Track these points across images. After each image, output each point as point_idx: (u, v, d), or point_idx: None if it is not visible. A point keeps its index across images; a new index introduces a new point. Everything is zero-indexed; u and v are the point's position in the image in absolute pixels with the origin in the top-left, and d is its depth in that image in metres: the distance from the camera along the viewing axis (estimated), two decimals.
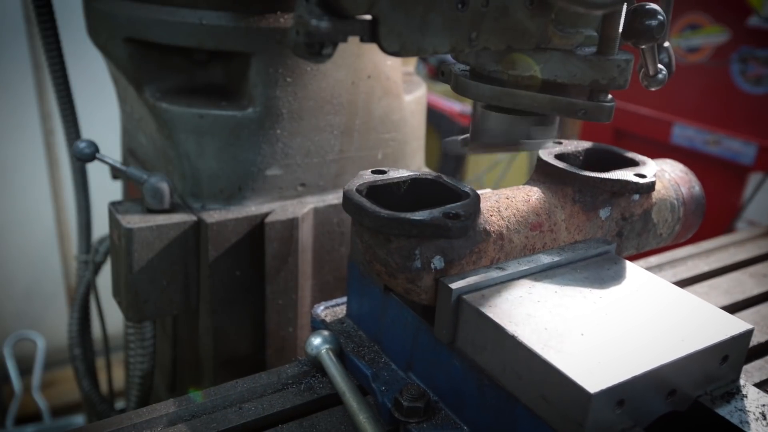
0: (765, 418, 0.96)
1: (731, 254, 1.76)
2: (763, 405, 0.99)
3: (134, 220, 1.47)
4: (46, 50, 1.73)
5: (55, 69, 1.77)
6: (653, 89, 1.24)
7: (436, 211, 1.01)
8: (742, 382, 1.02)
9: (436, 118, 4.80)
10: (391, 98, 1.72)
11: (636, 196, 1.23)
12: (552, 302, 1.00)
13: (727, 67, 3.23)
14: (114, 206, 1.54)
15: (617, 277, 1.09)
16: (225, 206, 1.58)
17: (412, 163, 1.89)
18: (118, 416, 1.07)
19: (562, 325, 0.94)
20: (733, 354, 0.99)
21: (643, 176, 1.20)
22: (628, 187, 1.18)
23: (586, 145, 1.35)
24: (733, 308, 1.49)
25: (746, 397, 1.00)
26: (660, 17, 1.03)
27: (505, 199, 1.13)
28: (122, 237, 1.46)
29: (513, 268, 1.06)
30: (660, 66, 1.21)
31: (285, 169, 1.61)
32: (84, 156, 1.53)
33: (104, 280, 1.85)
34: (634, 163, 1.28)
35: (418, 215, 0.99)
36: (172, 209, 1.55)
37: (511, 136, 1.18)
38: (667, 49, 1.28)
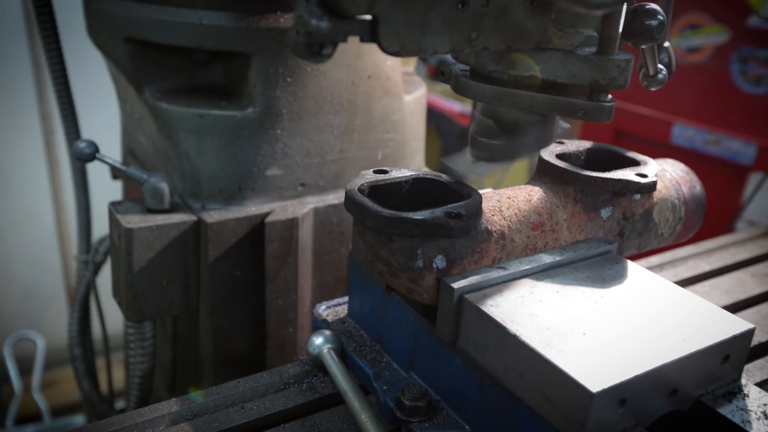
0: (766, 418, 0.96)
1: (732, 254, 1.76)
2: (765, 404, 0.99)
3: (134, 220, 1.47)
4: (46, 50, 1.73)
5: (55, 69, 1.76)
6: (653, 89, 1.24)
7: (438, 211, 1.01)
8: (743, 381, 1.02)
9: (436, 118, 4.79)
10: (391, 98, 1.72)
11: (637, 196, 1.23)
12: (554, 302, 1.00)
13: (727, 67, 3.23)
14: (114, 206, 1.54)
15: (619, 276, 1.09)
16: (225, 206, 1.58)
17: (412, 163, 1.89)
18: (119, 416, 1.07)
19: (564, 324, 0.94)
20: (735, 353, 0.99)
21: (644, 176, 1.20)
22: (629, 187, 1.18)
23: (587, 144, 1.35)
24: (734, 308, 1.49)
25: (748, 396, 1.00)
26: (660, 17, 1.03)
27: (507, 198, 1.13)
28: (122, 237, 1.46)
29: (515, 267, 1.06)
30: (660, 66, 1.21)
31: (285, 169, 1.61)
32: (84, 156, 1.53)
33: (104, 280, 1.84)
34: (635, 163, 1.28)
35: (420, 215, 0.99)
36: (172, 209, 1.55)
37: (506, 154, 1.18)
38: (667, 49, 1.28)
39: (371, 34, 0.90)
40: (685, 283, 1.59)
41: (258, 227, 1.56)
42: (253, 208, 1.58)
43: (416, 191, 1.16)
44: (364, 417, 1.04)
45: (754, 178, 3.19)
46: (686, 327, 0.97)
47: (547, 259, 1.10)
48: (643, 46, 1.12)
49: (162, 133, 1.56)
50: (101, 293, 2.03)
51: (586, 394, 0.81)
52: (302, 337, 1.68)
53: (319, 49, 0.86)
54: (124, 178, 1.74)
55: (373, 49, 1.40)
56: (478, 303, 0.97)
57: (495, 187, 1.33)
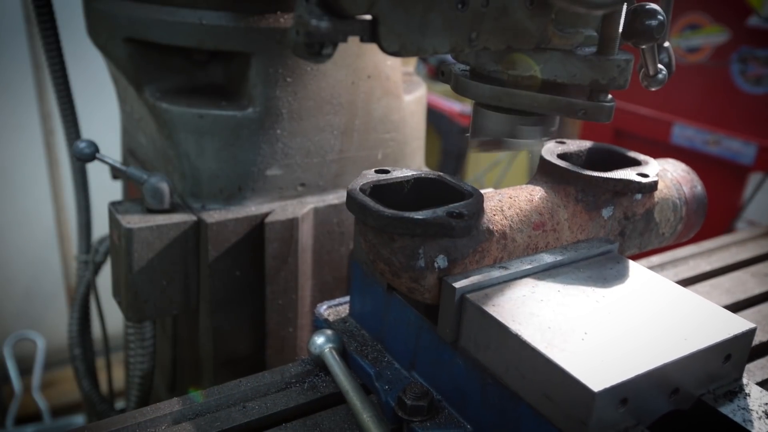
0: None
1: (733, 254, 1.76)
2: (766, 404, 0.99)
3: (134, 220, 1.47)
4: (46, 50, 1.73)
5: (55, 69, 1.76)
6: (653, 89, 1.24)
7: (440, 211, 1.01)
8: (744, 380, 1.02)
9: (436, 118, 4.80)
10: (391, 98, 1.72)
11: (638, 196, 1.23)
12: (555, 301, 1.00)
13: (727, 67, 3.23)
14: (114, 206, 1.53)
15: (620, 276, 1.09)
16: (225, 206, 1.57)
17: (412, 163, 1.89)
18: (121, 415, 1.07)
19: (566, 324, 0.94)
20: (736, 353, 0.99)
21: (645, 176, 1.20)
22: (630, 187, 1.18)
23: (588, 144, 1.35)
24: (734, 307, 1.49)
25: (749, 395, 1.00)
26: (660, 17, 1.03)
27: (508, 198, 1.13)
28: (122, 237, 1.46)
29: (516, 267, 1.06)
30: (660, 66, 1.21)
31: (285, 169, 1.61)
32: (84, 156, 1.53)
33: (104, 280, 1.84)
34: (636, 163, 1.28)
35: (422, 214, 0.99)
36: (172, 209, 1.55)
37: (507, 134, 1.18)
38: (667, 49, 1.28)
39: (371, 34, 0.90)
40: (685, 282, 1.59)
41: (258, 227, 1.56)
42: (253, 208, 1.58)
43: (418, 191, 1.16)
44: (366, 416, 1.04)
45: (754, 178, 3.19)
46: (687, 326, 0.97)
47: (548, 258, 1.10)
48: (643, 46, 1.12)
49: (162, 133, 1.56)
50: (101, 293, 2.03)
51: (587, 394, 0.81)
52: (302, 337, 1.68)
53: (319, 49, 0.86)
54: (124, 178, 1.74)
55: (373, 49, 1.40)
56: (480, 302, 0.97)
57: (496, 187, 1.33)
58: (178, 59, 1.57)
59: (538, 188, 1.18)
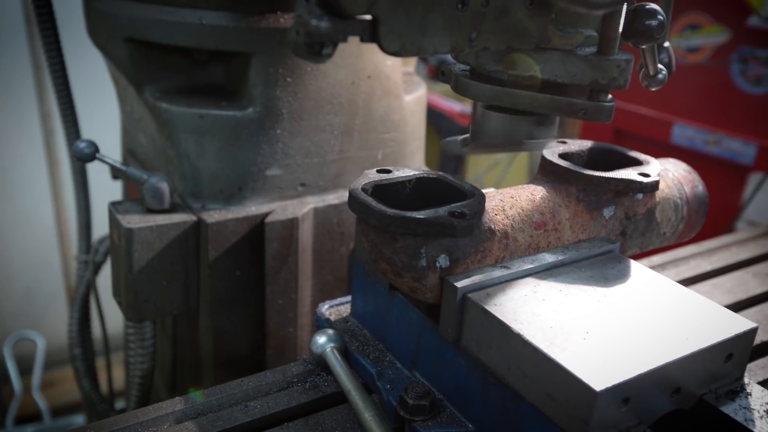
0: None
1: (734, 253, 1.76)
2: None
3: (134, 220, 1.47)
4: (46, 50, 1.73)
5: (55, 69, 1.76)
6: (653, 89, 1.24)
7: (442, 210, 1.01)
8: (746, 380, 1.02)
9: (436, 118, 4.80)
10: (391, 98, 1.72)
11: (640, 195, 1.23)
12: (557, 301, 1.00)
13: (727, 67, 3.23)
14: (114, 206, 1.53)
15: (621, 275, 1.09)
16: (225, 206, 1.57)
17: (412, 163, 1.89)
18: (123, 414, 1.08)
19: (567, 323, 0.94)
20: (738, 352, 0.99)
21: (646, 175, 1.20)
22: (632, 186, 1.18)
23: (589, 144, 1.35)
24: (736, 307, 1.49)
25: (750, 395, 1.00)
26: (660, 17, 1.03)
27: (510, 198, 1.13)
28: (122, 237, 1.46)
29: (518, 266, 1.06)
30: (660, 66, 1.21)
31: (285, 169, 1.61)
32: (84, 156, 1.52)
33: (104, 280, 1.84)
34: (637, 163, 1.28)
35: (424, 214, 0.99)
36: (172, 209, 1.55)
37: (511, 136, 1.18)
38: (667, 49, 1.28)
39: (371, 34, 0.90)
40: (686, 282, 1.59)
41: (258, 227, 1.56)
42: (253, 208, 1.58)
43: (419, 191, 1.16)
44: (368, 416, 1.04)
45: (754, 178, 3.19)
46: (689, 326, 0.97)
47: (549, 258, 1.10)
48: (643, 46, 1.12)
49: (162, 133, 1.56)
50: (101, 293, 2.03)
51: (589, 393, 0.81)
52: (302, 337, 1.68)
53: (319, 49, 0.86)
54: (124, 178, 1.74)
55: (373, 49, 1.40)
56: (482, 302, 0.97)
57: (496, 187, 1.33)
58: (178, 59, 1.57)
59: (539, 188, 1.18)
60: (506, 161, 4.76)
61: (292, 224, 1.56)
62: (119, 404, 2.15)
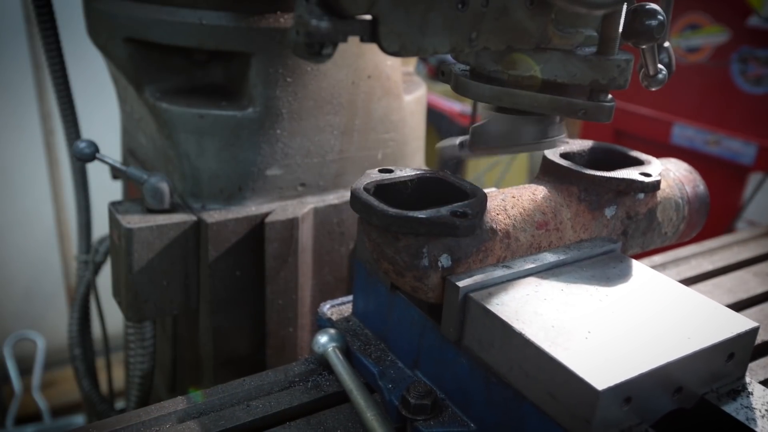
0: None
1: (734, 253, 1.76)
2: None
3: (134, 220, 1.47)
4: (46, 50, 1.73)
5: (55, 69, 1.76)
6: (653, 89, 1.24)
7: (444, 210, 1.01)
8: (747, 379, 1.02)
9: (436, 118, 4.80)
10: (391, 98, 1.72)
11: (641, 195, 1.23)
12: (558, 300, 1.00)
13: (727, 67, 3.23)
14: (114, 206, 1.53)
15: (623, 275, 1.09)
16: (225, 206, 1.57)
17: (411, 163, 1.89)
18: (126, 414, 1.08)
19: (569, 322, 0.94)
20: (739, 351, 0.98)
21: (648, 175, 1.20)
22: (633, 186, 1.18)
23: (591, 144, 1.35)
24: (737, 307, 1.49)
25: (752, 394, 1.00)
26: (660, 17, 1.03)
27: (512, 197, 1.13)
28: (122, 237, 1.46)
29: (519, 266, 1.06)
30: (660, 66, 1.21)
31: (285, 169, 1.60)
32: (84, 156, 1.52)
33: (104, 280, 1.84)
34: (639, 162, 1.28)
35: (426, 213, 0.99)
36: (172, 209, 1.55)
37: (513, 139, 1.18)
38: (667, 49, 1.28)
39: (371, 34, 0.90)
40: (687, 282, 1.59)
41: (258, 227, 1.56)
42: (253, 208, 1.57)
43: (421, 190, 1.16)
44: (370, 415, 1.04)
45: (754, 178, 3.19)
46: (691, 325, 0.97)
47: (551, 257, 1.10)
48: (643, 46, 1.12)
49: (162, 133, 1.56)
50: (101, 293, 2.03)
51: (591, 392, 0.81)
52: (302, 337, 1.68)
53: (319, 49, 0.86)
54: (124, 178, 1.74)
55: (373, 49, 1.40)
56: (484, 301, 0.97)
57: (496, 187, 1.33)
58: (178, 59, 1.57)
59: (541, 188, 1.18)
60: (506, 161, 4.76)
61: (292, 224, 1.56)
62: (119, 404, 2.15)
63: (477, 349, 0.99)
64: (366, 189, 1.07)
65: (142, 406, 1.11)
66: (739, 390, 1.00)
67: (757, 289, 1.56)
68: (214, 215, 1.52)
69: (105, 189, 2.28)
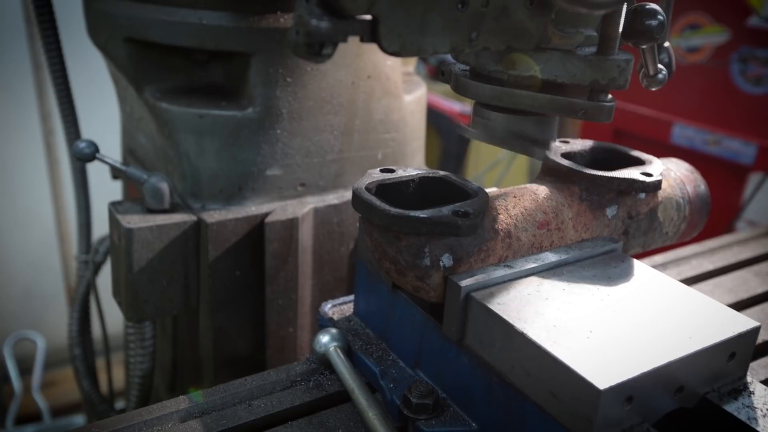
0: None
1: (735, 253, 1.76)
2: None
3: (134, 220, 1.47)
4: (46, 50, 1.73)
5: (55, 69, 1.76)
6: (653, 89, 1.24)
7: (446, 209, 1.01)
8: (748, 379, 1.02)
9: (436, 118, 4.79)
10: (391, 98, 1.72)
11: (642, 195, 1.23)
12: (560, 300, 1.00)
13: (727, 67, 3.24)
14: (114, 206, 1.53)
15: (624, 274, 1.09)
16: (225, 206, 1.57)
17: (412, 162, 1.89)
18: (129, 413, 1.08)
19: (571, 322, 0.94)
20: (740, 351, 0.99)
21: (649, 175, 1.20)
22: (634, 186, 1.18)
23: (592, 143, 1.35)
24: (738, 306, 1.50)
25: (753, 393, 1.00)
26: (660, 17, 1.03)
27: (513, 197, 1.13)
28: (122, 237, 1.46)
29: (521, 265, 1.06)
30: (660, 66, 1.21)
31: (285, 169, 1.60)
32: (84, 156, 1.52)
33: (104, 280, 1.84)
34: (640, 162, 1.28)
35: (428, 213, 0.99)
36: (172, 209, 1.55)
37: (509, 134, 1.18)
38: (667, 49, 1.28)
39: (371, 34, 0.90)
40: (688, 281, 1.59)
41: (258, 227, 1.56)
42: (253, 208, 1.57)
43: (423, 190, 1.16)
44: (372, 414, 1.04)
45: (754, 178, 3.19)
46: (692, 325, 0.97)
47: (552, 257, 1.10)
48: (643, 46, 1.12)
49: (162, 133, 1.56)
50: (101, 293, 2.02)
51: (593, 391, 0.81)
52: (302, 337, 1.68)
53: (319, 49, 0.86)
54: (124, 178, 1.74)
55: (373, 49, 1.40)
56: (485, 301, 0.97)
57: (497, 187, 1.33)
58: (178, 59, 1.57)
59: (542, 187, 1.18)
60: (506, 161, 4.76)
61: (292, 224, 1.56)
62: (119, 404, 2.15)
63: (478, 348, 0.99)
64: (368, 189, 1.07)
65: (142, 407, 1.11)
66: (741, 389, 1.00)
67: (757, 289, 1.57)
68: (214, 215, 1.52)
69: (105, 189, 2.28)
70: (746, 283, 1.60)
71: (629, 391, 0.84)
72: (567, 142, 1.33)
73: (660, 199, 1.27)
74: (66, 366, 3.73)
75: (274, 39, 1.48)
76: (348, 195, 1.68)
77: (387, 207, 1.01)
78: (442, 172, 1.17)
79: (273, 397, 1.13)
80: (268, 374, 1.19)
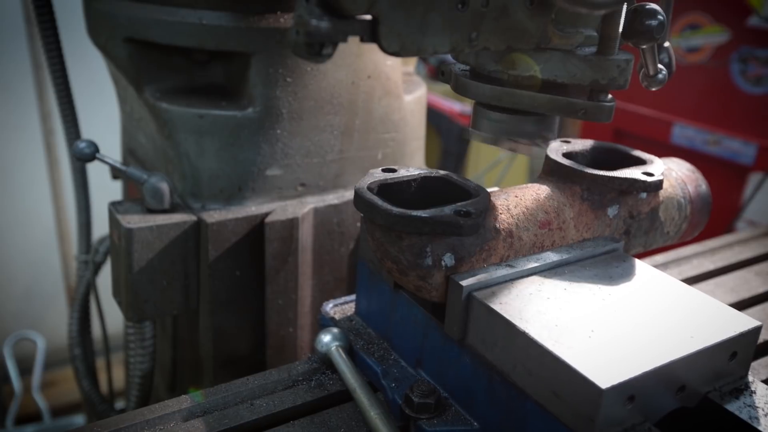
0: None
1: (736, 253, 1.76)
2: None
3: (134, 220, 1.47)
4: (46, 50, 1.73)
5: (55, 69, 1.76)
6: (653, 89, 1.24)
7: (447, 209, 1.01)
8: (750, 378, 1.02)
9: (436, 118, 4.80)
10: (391, 98, 1.72)
11: (643, 195, 1.23)
12: (562, 299, 1.00)
13: (727, 67, 3.24)
14: (114, 206, 1.53)
15: (625, 274, 1.09)
16: (225, 206, 1.57)
17: (412, 162, 1.89)
18: (130, 413, 1.08)
19: (572, 321, 0.94)
20: (742, 350, 0.99)
21: (650, 174, 1.20)
22: (636, 186, 1.18)
23: (593, 143, 1.35)
24: (739, 306, 1.50)
25: (755, 393, 1.00)
26: (660, 17, 1.03)
27: (515, 197, 1.13)
28: (122, 237, 1.46)
29: (522, 265, 1.06)
30: (660, 66, 1.21)
31: (285, 169, 1.60)
32: (84, 156, 1.52)
33: (104, 280, 1.84)
34: (641, 162, 1.28)
35: (430, 213, 0.99)
36: (172, 209, 1.54)
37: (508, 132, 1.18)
38: (667, 49, 1.28)
39: (371, 34, 0.90)
40: (689, 281, 1.59)
41: (258, 227, 1.55)
42: (253, 208, 1.57)
43: (424, 190, 1.16)
44: (373, 414, 1.04)
45: (754, 178, 3.19)
46: (693, 324, 0.97)
47: (554, 257, 1.10)
48: (643, 46, 1.12)
49: (162, 133, 1.56)
50: (101, 293, 2.02)
51: (595, 391, 0.81)
52: (302, 337, 1.68)
53: (319, 49, 0.86)
54: (124, 178, 1.74)
55: (373, 49, 1.40)
56: (487, 300, 0.97)
57: (498, 186, 1.33)
58: (178, 59, 1.57)
59: (544, 187, 1.18)
60: (506, 161, 4.76)
61: (292, 224, 1.56)
62: (119, 404, 2.15)
63: (480, 348, 0.99)
64: (369, 188, 1.07)
65: (142, 407, 1.11)
66: (742, 389, 1.01)
67: (758, 289, 1.57)
68: (214, 215, 1.52)
69: (105, 189, 2.27)
70: (747, 282, 1.60)
71: (631, 390, 0.85)
72: (568, 142, 1.33)
73: (661, 198, 1.27)
74: (66, 366, 3.73)
75: (274, 39, 1.48)
76: (348, 195, 1.68)
77: (389, 207, 1.01)
78: (443, 172, 1.17)
79: (275, 397, 1.13)
80: (270, 374, 1.19)
